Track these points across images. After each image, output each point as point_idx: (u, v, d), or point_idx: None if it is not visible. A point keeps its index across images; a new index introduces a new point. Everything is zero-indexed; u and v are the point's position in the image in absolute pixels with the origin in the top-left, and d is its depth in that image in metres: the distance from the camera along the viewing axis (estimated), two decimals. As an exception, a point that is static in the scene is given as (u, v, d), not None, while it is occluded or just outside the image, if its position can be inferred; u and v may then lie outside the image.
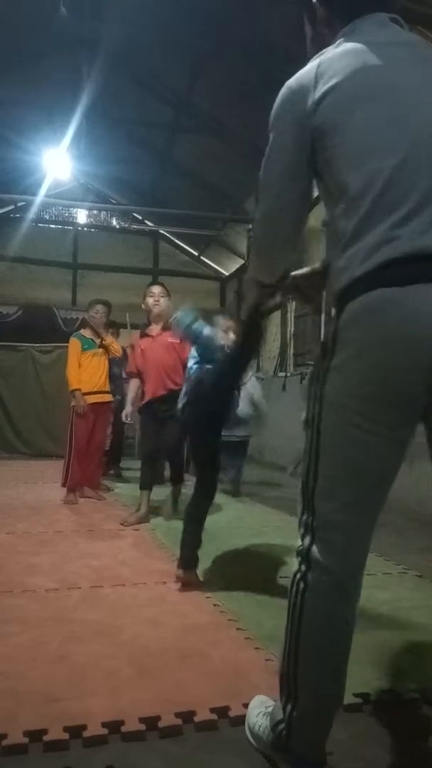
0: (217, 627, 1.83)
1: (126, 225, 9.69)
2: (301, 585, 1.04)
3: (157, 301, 3.43)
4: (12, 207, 8.91)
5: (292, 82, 1.07)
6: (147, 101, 6.56)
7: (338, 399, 1.00)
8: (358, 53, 1.02)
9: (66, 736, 1.23)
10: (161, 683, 1.45)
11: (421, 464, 1.27)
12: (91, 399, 4.14)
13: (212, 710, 1.32)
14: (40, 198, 7.67)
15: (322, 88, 1.01)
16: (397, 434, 0.99)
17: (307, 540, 1.04)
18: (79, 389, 4.08)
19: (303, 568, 1.04)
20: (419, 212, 0.93)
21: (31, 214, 8.50)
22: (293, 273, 1.29)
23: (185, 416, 2.42)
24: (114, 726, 1.26)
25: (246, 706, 1.29)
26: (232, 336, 2.57)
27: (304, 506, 1.06)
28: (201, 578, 2.29)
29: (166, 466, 5.43)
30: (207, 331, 2.32)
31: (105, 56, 5.54)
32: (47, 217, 9.54)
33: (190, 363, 2.45)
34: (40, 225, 9.30)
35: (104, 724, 1.26)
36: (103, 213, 9.90)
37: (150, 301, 3.45)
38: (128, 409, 3.61)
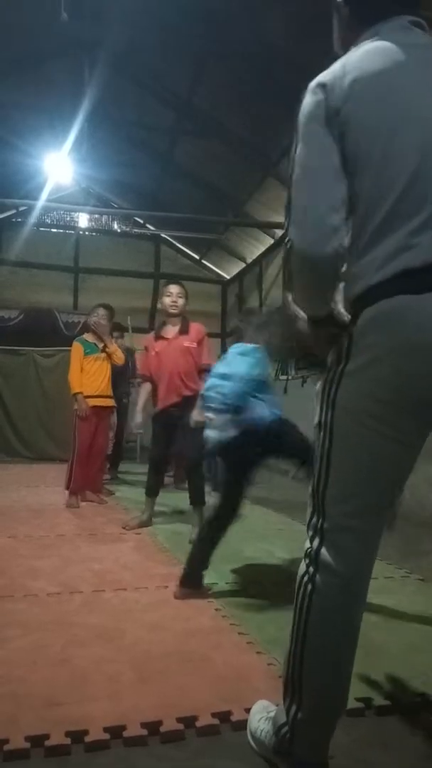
0: (219, 631, 1.82)
1: (127, 229, 9.71)
2: (309, 587, 1.03)
3: (175, 301, 3.22)
4: (14, 211, 8.95)
5: (316, 85, 1.04)
6: (148, 104, 6.58)
7: (353, 404, 1.00)
8: (382, 55, 1.01)
9: (68, 741, 1.22)
10: (163, 687, 1.45)
11: (423, 467, 1.27)
12: (93, 403, 4.14)
13: (214, 715, 1.31)
14: (41, 202, 7.70)
15: (345, 90, 1.00)
16: (411, 439, 1.00)
17: (315, 542, 1.05)
18: (80, 392, 4.09)
19: (311, 570, 1.04)
20: None
21: (33, 218, 8.52)
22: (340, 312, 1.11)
23: (234, 450, 2.12)
24: (116, 731, 1.25)
25: (248, 710, 1.28)
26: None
27: (314, 509, 1.06)
28: (203, 583, 2.29)
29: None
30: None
31: (106, 59, 5.56)
32: (49, 221, 9.56)
33: (235, 387, 2.10)
34: (42, 229, 9.32)
35: (106, 729, 1.25)
36: (104, 217, 9.91)
37: (167, 300, 3.24)
38: (138, 418, 3.39)
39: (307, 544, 1.07)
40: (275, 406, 2.18)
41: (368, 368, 0.98)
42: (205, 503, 3.13)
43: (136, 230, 9.57)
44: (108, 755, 1.20)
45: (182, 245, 9.97)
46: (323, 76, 1.03)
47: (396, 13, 1.06)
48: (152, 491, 3.32)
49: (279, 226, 7.36)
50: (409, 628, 1.88)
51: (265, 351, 2.18)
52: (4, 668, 1.54)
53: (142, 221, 9.65)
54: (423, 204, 0.94)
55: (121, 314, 6.14)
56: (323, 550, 1.03)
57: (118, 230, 9.95)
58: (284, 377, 6.97)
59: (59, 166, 7.52)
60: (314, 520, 1.06)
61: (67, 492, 4.11)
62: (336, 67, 1.03)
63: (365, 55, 1.02)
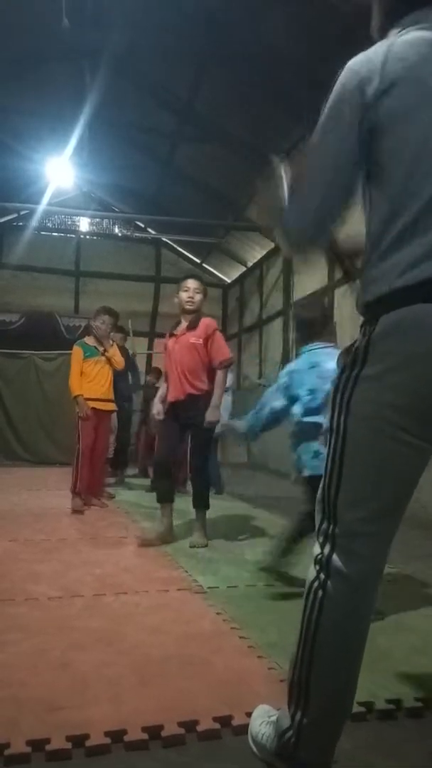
0: (220, 635, 1.82)
1: (128, 233, 9.74)
2: (320, 593, 1.03)
3: (192, 297, 3.05)
4: (15, 215, 8.99)
5: (356, 65, 1.00)
6: (149, 108, 6.61)
7: (368, 409, 0.99)
8: (424, 45, 0.96)
9: (68, 745, 1.22)
10: (164, 691, 1.44)
11: (425, 469, 1.27)
12: (93, 406, 4.12)
13: (215, 719, 1.31)
14: (42, 206, 7.73)
15: (386, 79, 0.96)
16: (425, 445, 0.99)
17: (327, 548, 1.04)
18: (81, 395, 4.08)
19: (322, 576, 1.03)
20: None
21: (34, 222, 8.56)
22: (339, 239, 1.21)
23: None
24: (116, 735, 1.25)
25: (249, 715, 1.28)
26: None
27: (325, 514, 1.05)
28: (204, 586, 2.29)
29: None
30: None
31: (107, 63, 5.59)
32: (50, 225, 9.60)
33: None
34: (43, 233, 9.36)
35: (107, 734, 1.25)
36: (105, 221, 9.96)
37: (184, 296, 3.07)
38: (158, 406, 3.19)
39: (317, 550, 1.06)
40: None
41: (386, 374, 0.97)
42: (208, 507, 3.09)
43: (137, 234, 9.61)
44: (109, 759, 1.20)
45: (183, 249, 10.00)
46: (363, 60, 0.99)
47: None
48: (166, 497, 3.05)
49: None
50: (411, 632, 1.87)
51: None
52: (5, 672, 1.53)
53: (143, 225, 9.68)
54: None
55: (122, 318, 6.15)
56: (335, 556, 1.02)
57: (119, 234, 9.98)
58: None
59: (60, 171, 7.56)
60: (325, 525, 1.05)
61: (72, 494, 4.06)
62: (377, 54, 0.98)
63: (409, 44, 0.97)
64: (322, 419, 2.02)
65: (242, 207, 7.57)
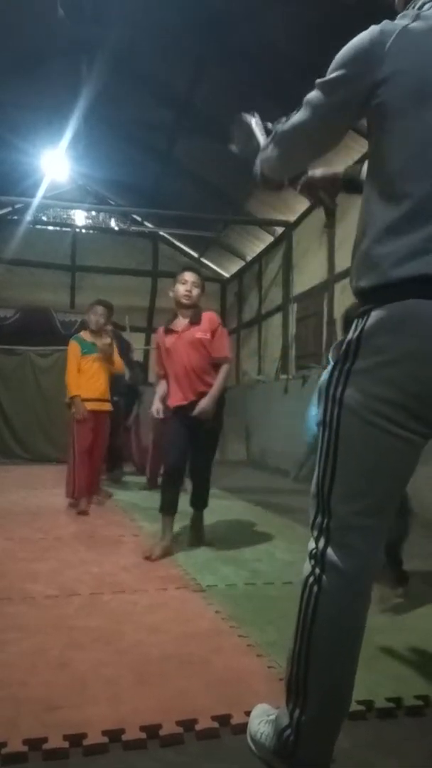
0: (219, 634, 1.82)
1: (125, 227, 9.68)
2: (315, 588, 1.03)
3: (189, 290, 2.85)
4: (9, 209, 8.92)
5: (368, 37, 0.98)
6: (147, 102, 6.56)
7: (361, 402, 0.99)
8: None
9: (66, 744, 1.21)
10: (162, 691, 1.44)
11: (424, 468, 1.27)
12: (91, 406, 3.93)
13: (214, 718, 1.31)
14: (37, 200, 7.67)
15: (394, 63, 0.95)
16: (417, 438, 1.00)
17: (321, 543, 1.04)
18: (78, 395, 3.89)
19: (317, 571, 1.03)
20: None
21: (29, 215, 8.49)
22: (311, 173, 1.26)
23: None
24: (114, 734, 1.25)
25: (248, 714, 1.27)
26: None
27: (319, 508, 1.05)
28: (203, 585, 2.28)
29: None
30: None
31: (105, 57, 5.54)
32: (45, 219, 9.53)
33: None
34: (38, 227, 9.29)
35: (104, 733, 1.25)
36: (102, 215, 9.89)
37: (181, 289, 2.86)
38: (158, 404, 2.96)
39: (312, 545, 1.06)
40: None
41: (379, 369, 0.97)
42: (207, 506, 3.02)
43: (133, 228, 9.55)
44: (107, 758, 1.19)
45: (181, 243, 9.95)
46: (385, 31, 0.97)
47: None
48: (170, 508, 2.80)
49: (279, 223, 7.34)
50: (411, 631, 1.87)
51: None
52: (3, 671, 1.53)
53: (139, 219, 9.63)
54: None
55: (119, 313, 6.12)
56: (329, 550, 1.02)
57: (116, 228, 9.92)
58: (284, 376, 6.97)
59: (56, 164, 7.50)
60: (319, 519, 1.05)
61: (70, 499, 3.97)
62: (390, 33, 0.96)
63: (420, 34, 0.95)
64: None
65: (241, 201, 7.54)
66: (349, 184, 1.22)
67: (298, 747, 1.05)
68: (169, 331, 2.93)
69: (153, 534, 3.21)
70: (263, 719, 1.20)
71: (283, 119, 1.12)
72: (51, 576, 2.39)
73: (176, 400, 2.84)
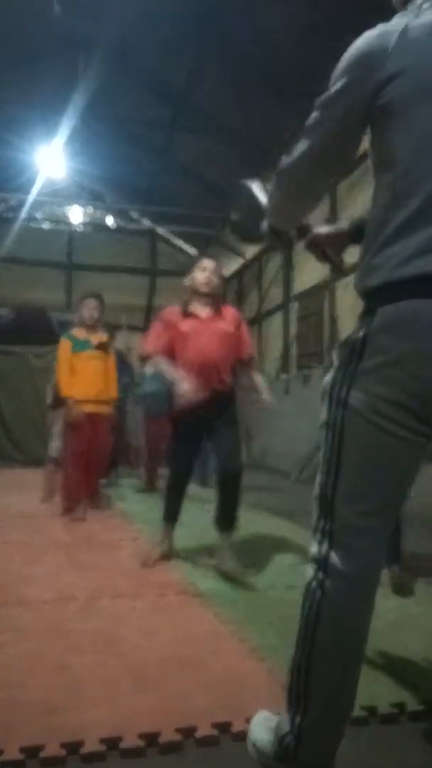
0: (218, 637, 1.80)
1: (122, 224, 9.64)
2: (318, 593, 1.01)
3: (209, 278, 2.59)
4: (4, 206, 8.86)
5: (368, 39, 0.97)
6: (145, 99, 6.54)
7: (365, 403, 0.98)
8: None
9: (63, 752, 1.19)
10: (161, 695, 1.42)
11: (424, 467, 1.26)
12: (85, 408, 3.63)
13: (213, 725, 1.28)
14: (32, 197, 7.63)
15: (399, 61, 0.93)
16: (422, 440, 0.99)
17: (324, 546, 1.02)
18: (70, 397, 3.60)
19: (320, 575, 1.02)
20: None
21: (24, 213, 8.43)
22: (317, 230, 1.25)
23: None
24: (112, 742, 1.22)
25: (248, 720, 1.25)
26: None
27: (321, 511, 1.04)
28: (202, 589, 2.26)
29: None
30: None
31: (102, 54, 5.52)
32: (41, 216, 9.48)
33: None
34: (34, 224, 9.23)
35: (102, 740, 1.22)
36: (98, 212, 9.84)
37: (201, 277, 2.59)
38: (186, 383, 2.40)
39: (314, 548, 1.04)
40: None
41: (384, 369, 0.96)
42: (236, 528, 2.52)
43: (131, 226, 9.51)
44: (104, 766, 1.17)
45: (179, 241, 9.92)
46: (379, 37, 0.96)
47: None
48: (172, 516, 2.63)
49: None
50: (414, 635, 1.85)
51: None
52: (1, 674, 1.51)
53: (137, 217, 9.59)
54: None
55: (116, 312, 6.08)
56: (332, 553, 1.01)
57: (113, 226, 9.87)
58: (285, 376, 6.96)
59: (52, 160, 7.47)
60: (321, 522, 1.04)
61: (64, 506, 3.75)
62: (393, 33, 0.95)
63: (422, 32, 0.93)
64: None
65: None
66: (358, 235, 1.17)
67: (298, 752, 1.03)
68: (188, 314, 2.58)
69: (151, 538, 3.18)
70: (264, 726, 1.18)
71: (282, 158, 1.10)
72: (48, 580, 2.36)
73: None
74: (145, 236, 9.83)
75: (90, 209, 9.70)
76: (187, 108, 6.36)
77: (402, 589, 1.73)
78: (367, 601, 1.03)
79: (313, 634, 1.01)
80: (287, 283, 7.36)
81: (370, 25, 1.01)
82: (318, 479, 1.06)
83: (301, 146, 1.05)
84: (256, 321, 8.65)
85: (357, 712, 1.30)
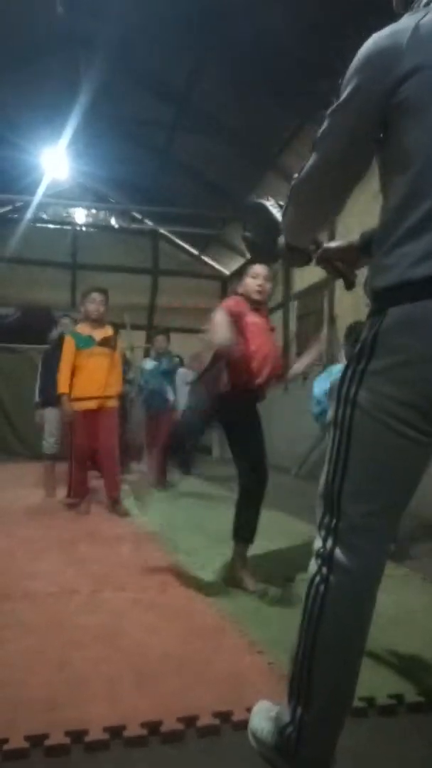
0: (219, 631, 1.82)
1: (125, 224, 9.67)
2: (321, 588, 1.02)
3: (262, 285, 2.52)
4: (10, 207, 8.91)
5: (382, 40, 0.95)
6: (146, 99, 6.55)
7: (375, 403, 0.98)
8: None
9: (67, 740, 1.22)
10: (163, 688, 1.44)
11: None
12: (87, 406, 3.59)
13: (214, 715, 1.31)
14: (38, 198, 7.66)
15: (411, 61, 0.91)
16: (430, 440, 0.99)
17: (329, 543, 1.03)
18: (65, 394, 3.55)
19: (324, 571, 1.03)
20: None
21: (29, 214, 8.48)
22: (326, 245, 1.24)
23: None
24: (116, 731, 1.25)
25: (249, 710, 1.27)
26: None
27: (327, 508, 1.05)
28: (203, 582, 2.28)
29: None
30: None
31: (104, 54, 5.52)
32: (45, 217, 9.51)
33: None
34: (39, 225, 9.27)
35: (106, 729, 1.25)
36: (102, 212, 9.88)
37: (253, 284, 2.50)
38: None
39: (319, 544, 1.05)
40: None
41: (395, 369, 0.96)
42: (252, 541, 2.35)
43: (134, 226, 9.54)
44: (108, 755, 1.20)
45: (181, 241, 9.93)
46: (389, 37, 0.94)
47: None
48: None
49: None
50: (411, 627, 1.87)
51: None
52: (3, 669, 1.53)
53: (139, 217, 9.62)
54: None
55: (119, 311, 6.11)
56: (337, 550, 1.01)
57: (116, 226, 9.91)
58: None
59: (56, 162, 7.49)
60: (327, 519, 1.04)
61: (68, 499, 3.81)
62: (404, 32, 0.93)
63: None
64: None
65: (241, 198, 7.52)
66: (368, 249, 1.15)
67: (299, 744, 1.05)
68: (253, 308, 2.50)
69: (153, 534, 3.21)
70: (264, 715, 1.20)
71: (294, 176, 1.08)
72: (51, 574, 2.38)
73: (253, 378, 2.38)
74: (147, 236, 9.86)
75: (93, 210, 9.73)
76: (187, 108, 6.37)
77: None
78: (369, 597, 1.04)
79: (316, 628, 1.02)
80: (287, 281, 7.37)
81: (370, 25, 1.01)
82: (324, 476, 1.06)
83: (312, 159, 1.03)
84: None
85: (356, 703, 1.32)
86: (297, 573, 2.32)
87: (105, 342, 3.68)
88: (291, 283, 7.32)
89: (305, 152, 1.07)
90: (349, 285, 1.30)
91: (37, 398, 4.48)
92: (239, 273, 10.10)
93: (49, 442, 4.33)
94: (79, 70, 5.83)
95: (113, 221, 9.96)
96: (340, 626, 1.02)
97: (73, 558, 2.66)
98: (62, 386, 3.58)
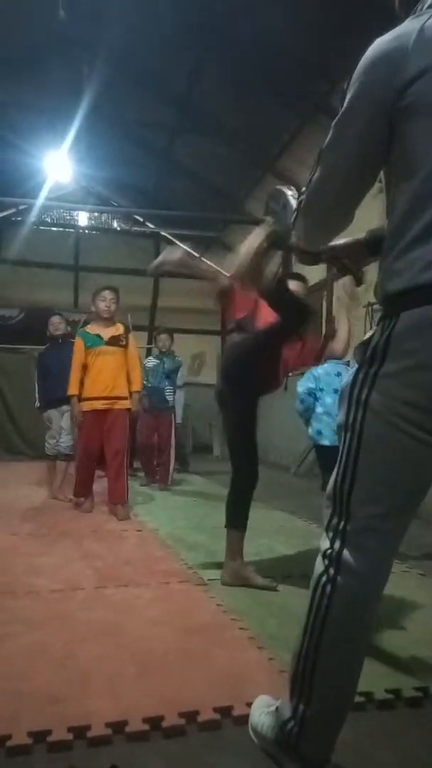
0: (220, 627, 1.83)
1: (127, 227, 9.71)
2: (328, 588, 1.02)
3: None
4: (13, 210, 8.95)
5: (386, 44, 0.94)
6: (148, 102, 6.57)
7: (386, 406, 0.97)
8: None
9: (70, 736, 1.23)
10: (164, 683, 1.45)
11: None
12: (95, 406, 3.53)
13: (215, 710, 1.32)
14: (41, 201, 7.70)
15: (418, 64, 0.90)
16: None
17: (337, 544, 1.03)
18: (75, 395, 3.52)
19: (331, 571, 1.03)
20: None
21: (33, 217, 8.52)
22: (333, 243, 1.23)
23: None
24: (118, 726, 1.26)
25: (249, 705, 1.28)
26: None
27: (336, 510, 1.04)
28: (205, 579, 2.29)
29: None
30: None
31: (105, 57, 5.55)
32: (48, 219, 9.55)
33: None
34: (42, 228, 9.31)
35: (108, 725, 1.26)
36: (104, 215, 9.92)
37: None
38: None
39: (326, 545, 1.05)
40: None
41: (408, 373, 0.95)
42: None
43: (135, 228, 9.57)
44: (110, 750, 1.21)
45: (182, 243, 9.95)
46: (394, 40, 0.93)
47: None
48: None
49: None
50: (409, 623, 1.88)
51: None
52: (7, 665, 1.54)
53: (141, 219, 9.65)
54: None
55: (122, 312, 6.12)
56: (345, 552, 1.01)
57: (118, 228, 9.94)
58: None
59: (59, 165, 7.52)
60: (335, 521, 1.04)
61: (73, 498, 3.82)
62: (408, 35, 0.92)
63: None
64: None
65: (241, 200, 7.54)
66: (375, 246, 1.15)
67: (300, 740, 1.06)
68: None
69: (155, 528, 3.23)
70: (265, 710, 1.21)
71: (303, 189, 1.08)
72: (55, 570, 2.40)
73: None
74: (149, 238, 9.89)
75: (95, 213, 9.77)
76: (187, 109, 6.39)
77: None
78: (375, 599, 1.04)
79: (321, 628, 1.02)
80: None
81: (369, 25, 1.01)
82: (333, 477, 1.06)
83: (318, 171, 1.03)
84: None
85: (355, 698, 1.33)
86: (296, 570, 2.33)
87: (114, 340, 3.60)
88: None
89: (305, 155, 1.07)
90: (358, 281, 1.30)
91: (37, 403, 4.44)
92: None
93: (50, 444, 4.34)
94: (80, 73, 5.86)
95: (115, 224, 9.99)
96: (346, 627, 1.02)
97: (77, 555, 2.68)
98: (72, 387, 3.54)
